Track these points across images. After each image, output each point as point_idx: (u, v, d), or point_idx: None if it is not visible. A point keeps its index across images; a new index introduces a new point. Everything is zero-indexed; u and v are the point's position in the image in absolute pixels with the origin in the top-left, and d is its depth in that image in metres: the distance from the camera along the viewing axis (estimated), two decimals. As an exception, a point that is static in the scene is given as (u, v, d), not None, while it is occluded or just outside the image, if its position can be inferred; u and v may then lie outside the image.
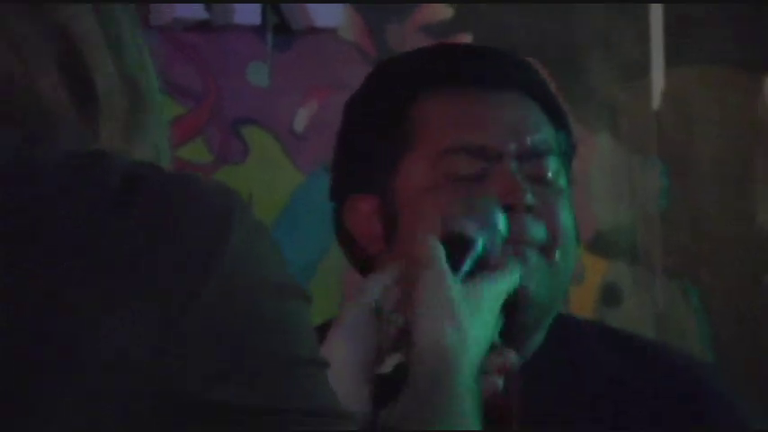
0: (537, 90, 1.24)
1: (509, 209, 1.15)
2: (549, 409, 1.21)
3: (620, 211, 2.39)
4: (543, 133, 1.21)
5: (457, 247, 0.98)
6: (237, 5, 2.06)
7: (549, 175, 1.20)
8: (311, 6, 2.15)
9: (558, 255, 1.21)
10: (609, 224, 2.35)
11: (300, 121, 1.80)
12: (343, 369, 0.89)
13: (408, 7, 2.28)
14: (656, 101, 2.39)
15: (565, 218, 1.21)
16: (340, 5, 2.19)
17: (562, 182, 1.22)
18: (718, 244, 2.40)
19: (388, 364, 1.03)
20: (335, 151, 1.35)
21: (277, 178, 1.77)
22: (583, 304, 2.28)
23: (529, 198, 1.17)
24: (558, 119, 1.24)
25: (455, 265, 0.95)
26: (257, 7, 2.09)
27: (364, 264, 1.25)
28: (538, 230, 1.17)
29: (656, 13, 2.35)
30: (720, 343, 2.36)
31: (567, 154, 1.24)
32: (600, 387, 1.26)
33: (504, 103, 1.23)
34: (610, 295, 2.28)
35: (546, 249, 1.19)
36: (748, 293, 2.40)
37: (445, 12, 2.24)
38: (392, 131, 1.24)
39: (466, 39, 2.23)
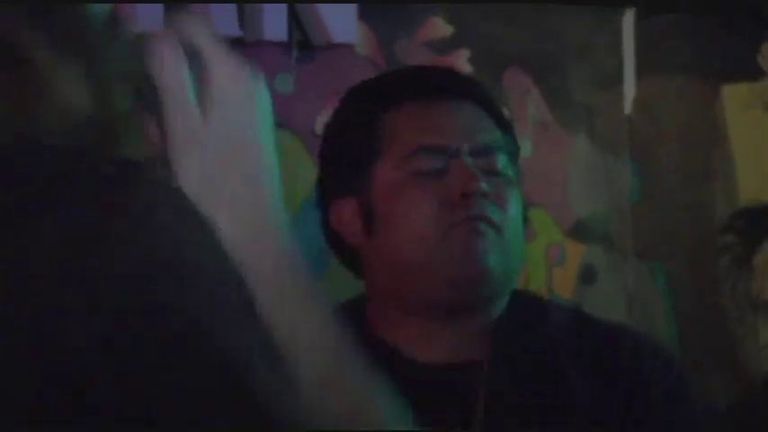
0: (485, 100, 1.37)
1: (467, 195, 1.30)
2: (511, 368, 1.36)
3: (596, 202, 2.48)
4: (492, 134, 1.33)
5: None
6: (266, 24, 2.16)
7: (500, 167, 1.31)
8: (330, 25, 2.26)
9: (509, 233, 1.32)
10: (586, 214, 2.49)
11: (320, 124, 1.91)
12: None
13: (414, 25, 2.38)
14: (627, 106, 2.50)
15: (515, 203, 1.33)
16: (355, 24, 2.31)
17: (511, 173, 1.34)
18: (682, 232, 2.49)
19: None
20: (319, 166, 1.48)
21: (300, 173, 1.92)
22: (564, 283, 2.45)
23: (483, 186, 1.28)
24: (503, 124, 1.37)
25: None
26: (284, 25, 2.20)
27: (350, 256, 1.39)
28: (493, 212, 1.28)
29: (628, 28, 2.47)
30: (683, 317, 2.51)
31: (513, 153, 1.36)
32: (548, 349, 1.38)
33: (457, 111, 1.35)
34: (587, 275, 2.42)
35: (500, 229, 1.30)
36: (707, 274, 2.52)
37: (446, 29, 2.36)
38: (365, 142, 1.36)
39: (463, 52, 2.34)
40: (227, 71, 0.68)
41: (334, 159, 1.43)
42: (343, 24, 2.27)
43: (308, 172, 2.03)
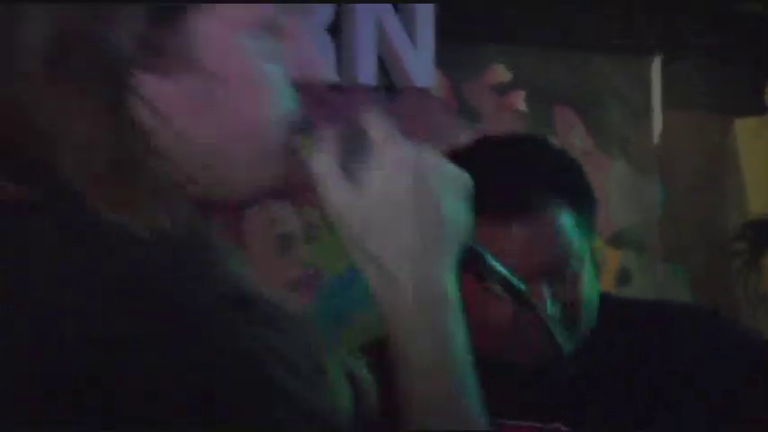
0: (565, 200, 1.26)
1: None
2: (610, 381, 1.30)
3: (629, 215, 2.71)
4: (562, 247, 1.24)
5: None
6: (359, 70, 2.29)
7: (572, 270, 1.24)
8: (412, 71, 2.41)
9: (581, 314, 1.26)
10: (622, 225, 2.71)
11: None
12: None
13: (480, 71, 2.56)
14: (656, 137, 2.78)
15: (584, 286, 1.26)
16: (433, 70, 2.43)
17: (584, 250, 1.26)
18: (701, 240, 2.77)
19: None
20: None
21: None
22: (604, 284, 2.47)
23: (549, 308, 1.21)
24: (576, 201, 1.26)
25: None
26: (374, 72, 2.34)
27: None
28: (556, 309, 1.23)
29: (656, 71, 2.72)
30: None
31: (586, 218, 1.27)
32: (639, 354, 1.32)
33: (533, 232, 1.25)
34: (623, 277, 2.67)
35: (566, 317, 1.24)
36: (722, 275, 2.72)
37: (506, 74, 2.56)
38: None
39: (520, 93, 2.52)
40: (400, 155, 0.71)
41: None
42: (422, 70, 2.38)
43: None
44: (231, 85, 0.68)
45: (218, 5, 0.68)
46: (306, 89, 0.76)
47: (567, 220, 1.26)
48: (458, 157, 1.13)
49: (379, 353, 0.72)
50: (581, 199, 1.29)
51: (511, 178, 1.27)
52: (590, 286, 1.26)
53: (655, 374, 1.33)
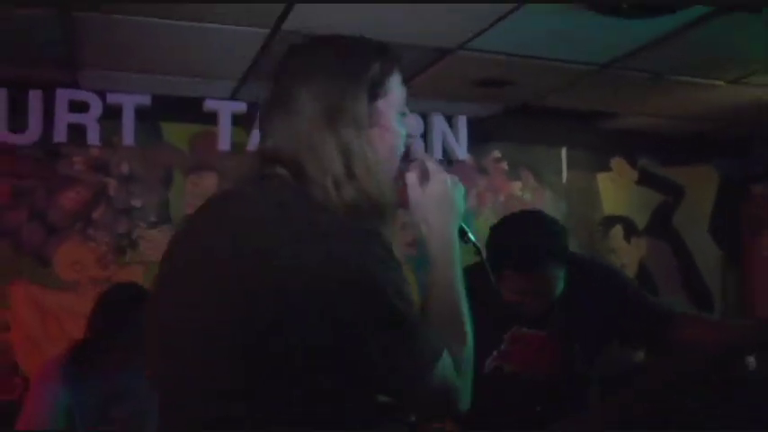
0: (558, 259, 1.89)
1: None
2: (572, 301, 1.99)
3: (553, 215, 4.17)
4: (562, 283, 1.93)
5: None
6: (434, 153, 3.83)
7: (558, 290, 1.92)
8: (455, 149, 4.02)
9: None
10: None
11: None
12: None
13: (488, 153, 4.28)
14: (564, 178, 4.48)
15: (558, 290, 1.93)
16: (466, 148, 4.00)
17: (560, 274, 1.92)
18: (583, 228, 4.42)
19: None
20: None
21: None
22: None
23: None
24: (564, 257, 1.91)
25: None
26: (438, 152, 3.92)
27: None
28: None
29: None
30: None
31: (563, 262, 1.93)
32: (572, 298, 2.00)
33: (540, 278, 1.92)
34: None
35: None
36: (593, 245, 4.44)
37: (498, 154, 4.34)
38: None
39: (504, 162, 4.25)
40: (441, 175, 1.23)
41: None
42: (460, 148, 4.07)
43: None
44: (389, 136, 1.19)
45: (390, 95, 1.19)
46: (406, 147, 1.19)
47: (558, 273, 1.89)
48: (497, 226, 1.95)
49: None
50: (564, 254, 1.87)
51: (526, 248, 1.88)
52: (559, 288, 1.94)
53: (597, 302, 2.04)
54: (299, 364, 1.03)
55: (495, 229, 1.97)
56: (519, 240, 1.90)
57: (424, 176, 1.25)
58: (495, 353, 2.01)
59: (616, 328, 1.98)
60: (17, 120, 3.70)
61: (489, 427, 1.94)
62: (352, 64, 1.14)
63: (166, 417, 1.16)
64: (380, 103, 1.16)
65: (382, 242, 1.07)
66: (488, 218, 4.27)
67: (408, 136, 1.25)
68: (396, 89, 1.18)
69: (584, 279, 1.96)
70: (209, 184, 4.03)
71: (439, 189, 1.25)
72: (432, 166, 1.25)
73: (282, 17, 2.81)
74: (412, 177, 1.24)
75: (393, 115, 1.19)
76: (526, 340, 1.99)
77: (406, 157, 1.21)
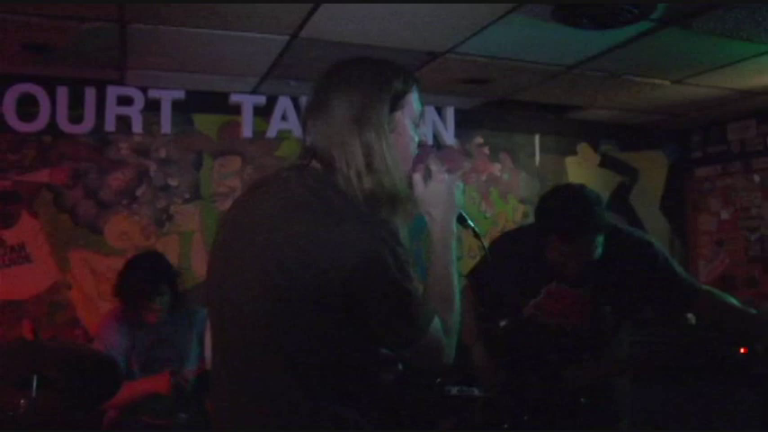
0: (599, 227, 1.91)
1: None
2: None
3: (528, 191, 4.36)
4: (600, 247, 1.92)
5: None
6: (427, 139, 4.07)
7: (598, 252, 1.92)
8: (444, 134, 4.28)
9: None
10: (524, 195, 4.45)
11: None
12: None
13: (473, 138, 4.55)
14: (537, 161, 4.65)
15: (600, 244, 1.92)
16: (453, 134, 4.27)
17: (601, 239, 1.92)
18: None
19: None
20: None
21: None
22: (519, 220, 4.58)
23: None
24: (603, 230, 1.93)
25: None
26: (430, 135, 4.20)
27: None
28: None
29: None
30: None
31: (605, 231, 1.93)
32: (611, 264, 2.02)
33: (584, 242, 1.92)
34: (523, 216, 4.45)
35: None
36: None
37: (483, 142, 4.58)
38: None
39: (486, 147, 4.49)
40: (441, 175, 1.33)
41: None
42: (449, 134, 4.33)
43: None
44: (404, 140, 1.28)
45: (407, 108, 1.25)
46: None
47: (597, 240, 1.88)
48: (546, 197, 2.02)
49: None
50: (603, 224, 1.88)
51: (570, 217, 1.89)
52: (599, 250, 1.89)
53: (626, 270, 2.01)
54: (320, 321, 1.16)
55: (544, 199, 2.10)
56: (564, 209, 2.00)
57: (428, 176, 1.38)
58: (532, 301, 2.16)
59: (645, 296, 2.05)
60: (75, 112, 4.01)
61: (519, 363, 2.15)
62: (378, 82, 1.26)
63: (214, 337, 1.35)
64: (399, 114, 1.30)
65: (389, 228, 1.20)
66: (472, 195, 4.61)
67: (420, 144, 1.38)
68: (413, 103, 1.32)
69: (620, 248, 2.05)
70: (233, 166, 4.33)
71: (439, 187, 1.37)
72: (434, 167, 1.36)
73: (301, 26, 3.10)
74: (417, 177, 1.37)
75: (409, 124, 1.32)
76: (561, 294, 2.10)
77: (419, 160, 1.34)
